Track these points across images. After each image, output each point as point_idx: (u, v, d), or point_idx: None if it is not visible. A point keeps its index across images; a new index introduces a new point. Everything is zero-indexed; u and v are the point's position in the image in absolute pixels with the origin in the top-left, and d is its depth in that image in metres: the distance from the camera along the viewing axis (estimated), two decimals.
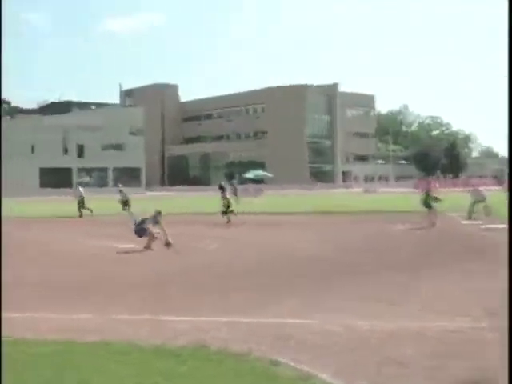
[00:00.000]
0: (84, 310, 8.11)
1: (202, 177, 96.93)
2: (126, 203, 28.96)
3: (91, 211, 29.20)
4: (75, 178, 79.98)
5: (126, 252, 14.79)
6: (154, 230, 15.22)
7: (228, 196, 24.72)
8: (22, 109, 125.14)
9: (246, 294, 9.36)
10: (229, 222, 23.42)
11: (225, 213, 23.92)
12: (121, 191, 30.17)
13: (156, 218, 15.40)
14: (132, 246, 15.54)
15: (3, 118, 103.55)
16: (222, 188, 25.21)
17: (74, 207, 30.04)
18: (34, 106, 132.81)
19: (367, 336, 6.62)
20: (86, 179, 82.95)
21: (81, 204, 29.79)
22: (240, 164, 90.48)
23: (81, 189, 31.25)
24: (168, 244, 14.98)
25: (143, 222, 15.40)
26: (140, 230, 15.32)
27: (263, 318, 7.53)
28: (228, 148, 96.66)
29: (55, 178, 72.57)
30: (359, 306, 8.30)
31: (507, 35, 6.89)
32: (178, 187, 76.62)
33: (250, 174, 77.10)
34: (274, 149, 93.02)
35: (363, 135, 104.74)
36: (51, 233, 21.34)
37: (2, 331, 6.30)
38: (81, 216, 28.79)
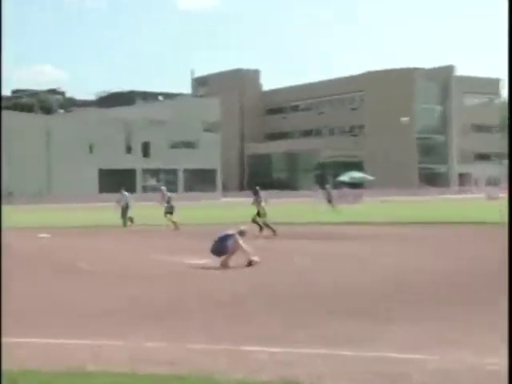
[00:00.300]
0: (154, 337, 8.30)
1: (288, 180, 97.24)
2: (170, 210, 28.71)
3: (131, 221, 29.86)
4: (140, 181, 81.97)
5: (200, 269, 15.04)
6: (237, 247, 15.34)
7: (263, 203, 25.05)
8: (78, 101, 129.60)
9: (342, 320, 9.31)
10: (262, 231, 24.21)
11: (255, 222, 24.67)
12: (163, 193, 29.66)
13: (240, 236, 15.58)
14: (205, 261, 15.79)
15: (57, 112, 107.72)
16: (256, 192, 25.49)
17: (136, 215, 30.76)
18: (91, 97, 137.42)
19: (494, 378, 6.45)
20: (153, 182, 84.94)
21: (124, 212, 30.15)
22: (333, 165, 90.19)
23: (126, 194, 31.28)
24: (250, 264, 15.19)
25: (225, 238, 15.53)
26: (219, 249, 15.44)
27: (364, 351, 7.48)
28: (319, 145, 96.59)
29: (117, 181, 74.12)
30: (482, 339, 8.11)
31: (507, 35, 6.87)
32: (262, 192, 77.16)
33: (345, 177, 76.63)
34: (374, 146, 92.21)
35: (485, 129, 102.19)
36: (113, 246, 22.02)
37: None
38: (125, 225, 29.52)
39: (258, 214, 25.09)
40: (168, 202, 28.84)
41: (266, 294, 11.74)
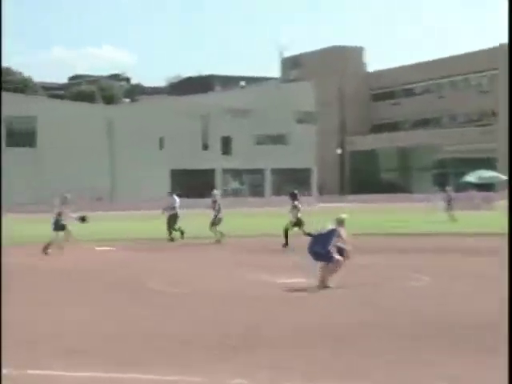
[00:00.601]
0: (241, 373, 8.35)
1: (399, 181, 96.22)
2: (219, 221, 28.45)
3: (182, 234, 29.26)
4: (219, 184, 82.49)
5: (294, 290, 15.08)
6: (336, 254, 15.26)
7: (299, 213, 25.27)
8: (145, 88, 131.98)
9: (466, 356, 9.16)
10: (286, 245, 24.62)
11: (286, 233, 25.03)
12: (214, 199, 29.06)
13: (341, 226, 15.58)
14: (298, 280, 15.88)
15: (121, 101, 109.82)
16: (294, 196, 25.71)
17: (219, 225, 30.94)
18: (161, 83, 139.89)
19: None
20: (235, 185, 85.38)
21: (172, 222, 29.62)
22: (457, 162, 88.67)
23: (176, 198, 30.49)
24: (347, 256, 15.27)
25: (329, 236, 15.36)
26: (320, 250, 15.27)
27: None
28: (438, 138, 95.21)
29: (192, 184, 74.93)
30: None
31: (507, 35, 7.21)
32: (364, 196, 76.59)
33: (472, 177, 75.22)
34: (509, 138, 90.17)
35: None
36: (187, 261, 22.32)
37: None
38: (171, 239, 29.07)
39: (298, 223, 25.09)
40: (218, 211, 28.52)
41: (375, 323, 11.68)
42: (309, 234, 25.01)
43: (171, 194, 31.31)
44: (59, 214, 24.99)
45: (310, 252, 15.53)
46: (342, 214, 15.90)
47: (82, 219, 26.02)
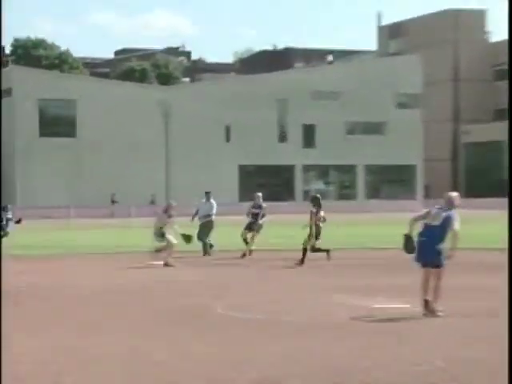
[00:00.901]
0: None
1: None
2: (258, 227, 28.72)
3: (209, 247, 29.57)
4: (299, 184, 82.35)
5: (394, 318, 14.99)
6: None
7: (321, 220, 25.40)
8: (209, 64, 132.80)
9: None
10: (302, 262, 25.00)
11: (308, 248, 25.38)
12: (256, 201, 29.12)
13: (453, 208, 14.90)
14: (398, 305, 15.89)
15: (179, 81, 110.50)
16: (315, 201, 25.75)
17: (289, 235, 30.87)
18: (229, 59, 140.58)
19: None
20: (319, 185, 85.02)
21: (207, 230, 29.74)
22: None
23: (214, 203, 30.47)
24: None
25: (445, 226, 14.76)
26: (431, 252, 14.75)
27: None
28: None
29: (265, 183, 74.71)
30: None
31: (507, 35, 7.30)
32: (482, 200, 75.54)
33: None
34: None
35: None
36: (256, 279, 22.53)
37: None
38: (205, 252, 29.36)
39: (316, 234, 25.33)
40: (262, 217, 28.85)
41: (488, 360, 11.46)
42: (319, 250, 25.17)
43: (209, 196, 30.88)
44: (164, 224, 25.70)
45: (415, 253, 15.01)
46: (453, 193, 15.35)
47: (188, 238, 26.62)
